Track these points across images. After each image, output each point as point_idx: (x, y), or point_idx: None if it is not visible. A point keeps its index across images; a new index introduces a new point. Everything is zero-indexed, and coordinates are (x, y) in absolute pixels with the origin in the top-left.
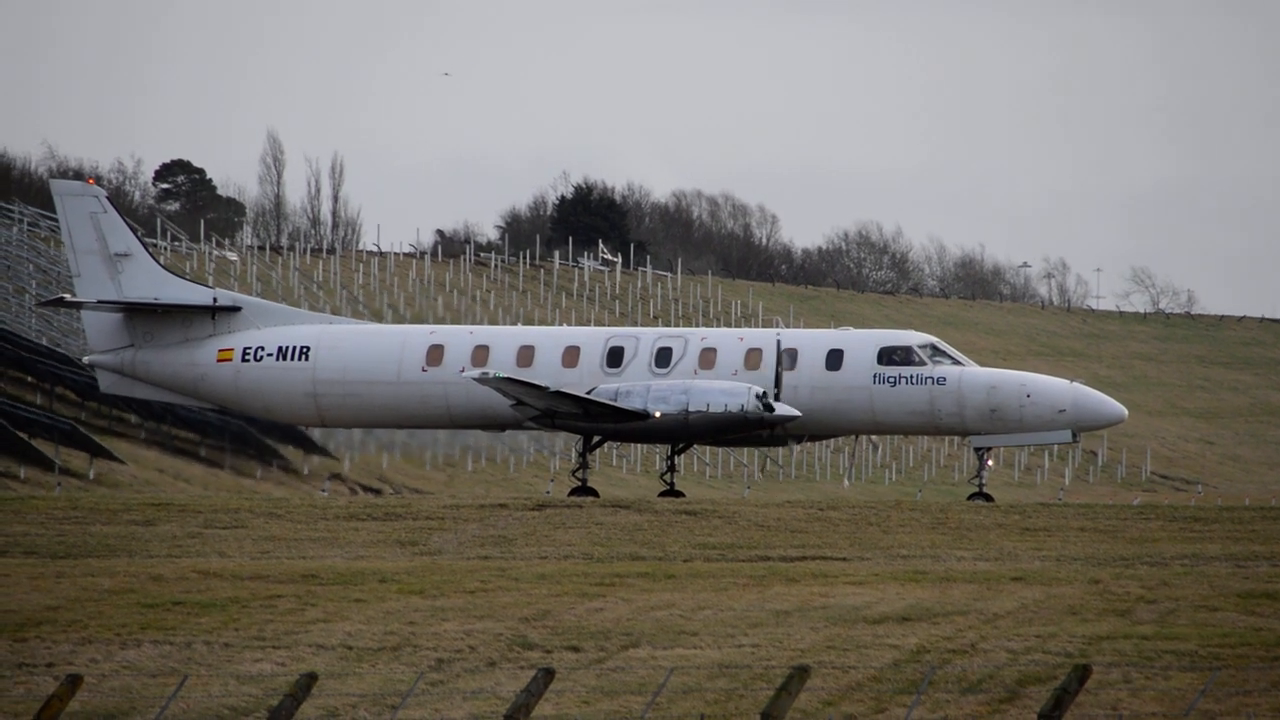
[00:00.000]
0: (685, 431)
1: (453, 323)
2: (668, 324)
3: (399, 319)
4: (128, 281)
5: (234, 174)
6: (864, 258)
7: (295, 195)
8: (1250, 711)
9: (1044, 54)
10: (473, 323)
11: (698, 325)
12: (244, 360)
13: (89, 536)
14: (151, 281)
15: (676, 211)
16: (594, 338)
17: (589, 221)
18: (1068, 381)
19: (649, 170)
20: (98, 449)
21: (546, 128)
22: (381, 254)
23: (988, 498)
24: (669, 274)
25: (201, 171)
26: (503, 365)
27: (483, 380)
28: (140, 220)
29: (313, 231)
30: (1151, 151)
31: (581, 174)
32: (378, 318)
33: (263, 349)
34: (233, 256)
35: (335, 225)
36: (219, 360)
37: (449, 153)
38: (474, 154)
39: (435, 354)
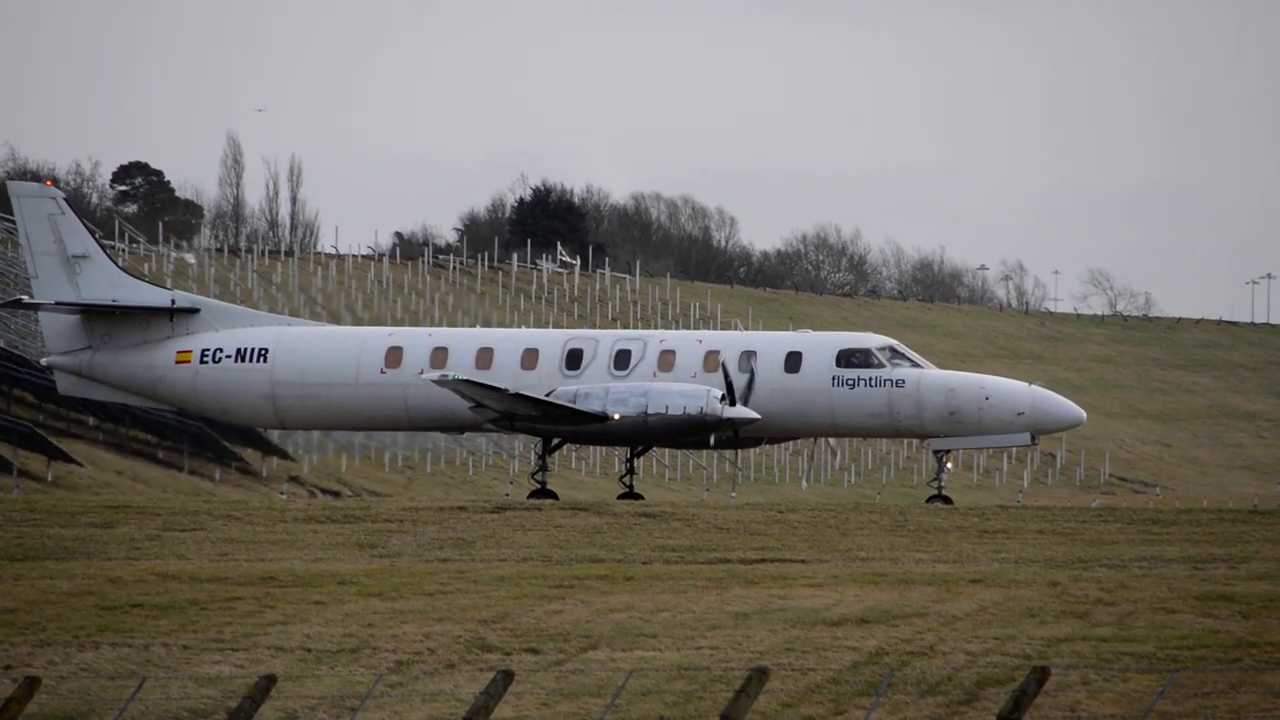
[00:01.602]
0: (644, 434)
1: (411, 325)
2: (626, 326)
3: (357, 321)
4: (85, 283)
5: (192, 176)
6: (822, 260)
7: (253, 197)
8: (1208, 713)
9: (1004, 57)
10: (431, 325)
11: (656, 327)
12: (202, 362)
13: (47, 539)
14: (109, 283)
15: (635, 214)
16: (553, 340)
17: (547, 224)
18: (1026, 384)
19: (608, 173)
20: (56, 451)
21: (506, 130)
22: (340, 256)
23: (946, 500)
24: (628, 276)
25: (159, 174)
26: (461, 367)
27: (441, 382)
28: (98, 222)
29: (271, 234)
30: (1111, 155)
31: (540, 176)
32: (336, 320)
33: (221, 351)
34: (191, 258)
35: (293, 227)
36: (177, 362)
37: (407, 155)
38: (432, 157)
39: (394, 356)
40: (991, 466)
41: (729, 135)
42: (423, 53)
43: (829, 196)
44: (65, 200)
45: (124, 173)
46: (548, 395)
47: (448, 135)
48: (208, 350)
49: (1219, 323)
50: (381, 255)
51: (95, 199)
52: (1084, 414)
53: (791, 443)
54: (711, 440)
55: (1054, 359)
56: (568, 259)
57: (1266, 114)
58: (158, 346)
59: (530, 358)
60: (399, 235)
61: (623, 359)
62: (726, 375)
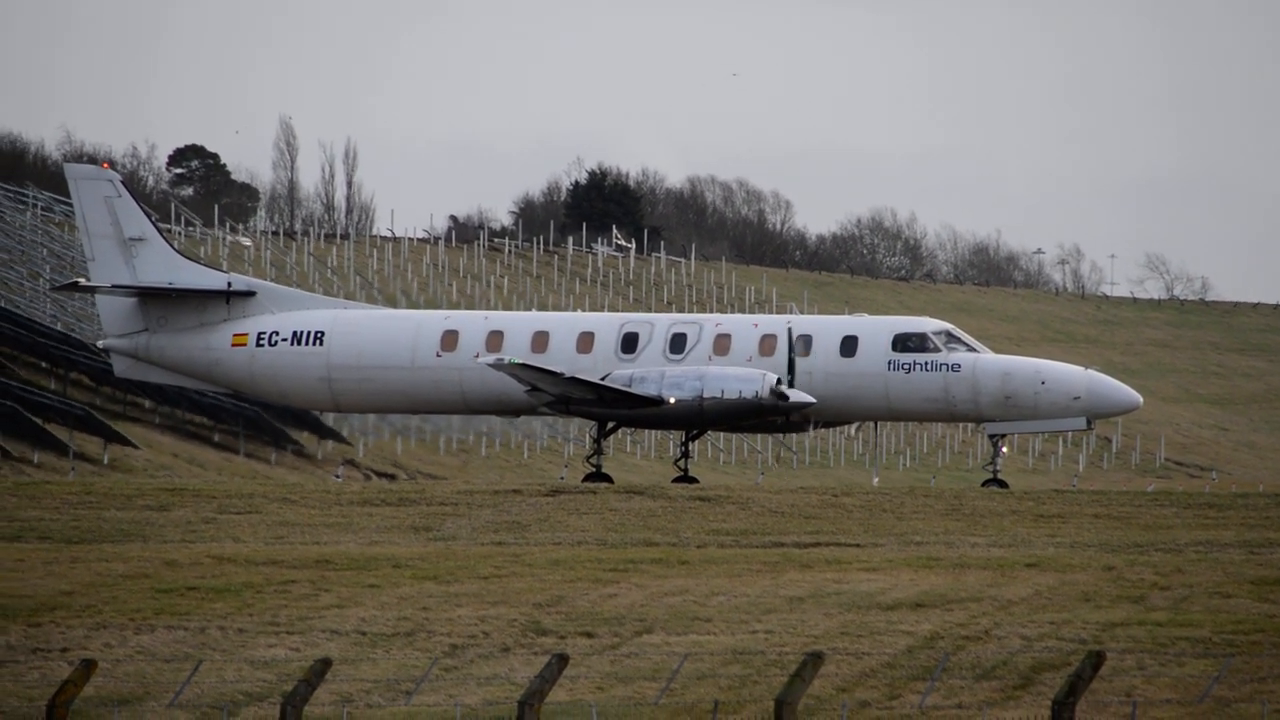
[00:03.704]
0: (699, 418)
1: (467, 308)
2: (681, 310)
3: (413, 304)
4: (142, 266)
5: (247, 159)
6: (878, 244)
7: (309, 180)
8: (1264, 698)
9: (1061, 41)
10: (487, 308)
11: (711, 311)
12: (259, 345)
13: (103, 522)
14: (166, 266)
15: (690, 197)
16: (608, 324)
17: (603, 207)
18: (1082, 368)
19: (663, 156)
20: (112, 434)
21: (561, 114)
22: (395, 239)
23: (1002, 484)
24: (683, 260)
25: (215, 156)
26: (517, 351)
27: (497, 366)
28: (154, 205)
29: (326, 217)
30: (1167, 138)
31: (595, 160)
32: (392, 303)
33: (277, 334)
34: (246, 241)
35: (349, 210)
36: (234, 345)
37: (463, 138)
38: (488, 140)
39: (450, 339)
40: (1047, 450)
41: (785, 119)
42: (478, 36)
43: (884, 180)
44: (122, 183)
45: (180, 156)
46: (603, 379)
47: (504, 119)
48: (264, 333)
49: (1276, 307)
50: (437, 238)
51: (151, 182)
52: (1140, 398)
53: (847, 426)
54: (779, 422)
55: (1110, 343)
56: (623, 242)
57: None
58: (214, 329)
59: (586, 341)
60: (454, 219)
61: (678, 343)
62: (791, 350)
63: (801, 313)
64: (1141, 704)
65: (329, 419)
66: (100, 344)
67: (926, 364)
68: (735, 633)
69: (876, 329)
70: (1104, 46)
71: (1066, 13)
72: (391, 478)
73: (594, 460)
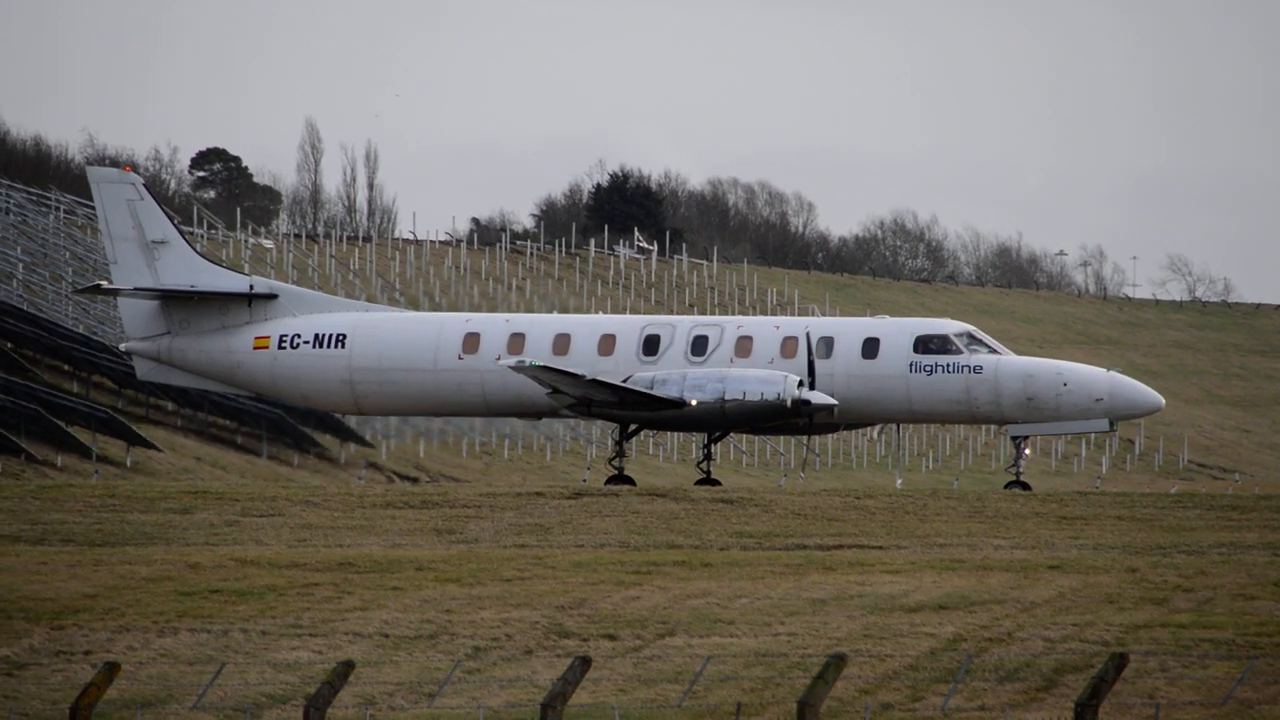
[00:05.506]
0: (722, 420)
1: (488, 310)
2: (703, 312)
3: (435, 307)
4: (164, 269)
5: (269, 162)
6: (900, 246)
7: (330, 183)
8: None
9: (1085, 42)
10: (508, 310)
11: (733, 313)
12: (280, 348)
13: (126, 524)
14: (188, 269)
15: (712, 199)
16: (630, 326)
17: (625, 209)
18: (1105, 370)
19: (685, 158)
20: (135, 437)
21: (583, 116)
22: (417, 242)
23: (1024, 486)
24: (705, 262)
25: (238, 159)
26: (539, 353)
27: (519, 368)
28: (176, 208)
29: (348, 219)
30: (1190, 139)
31: (617, 162)
32: (414, 305)
33: (299, 336)
34: (268, 244)
35: (371, 213)
36: (255, 348)
37: (484, 141)
38: (510, 143)
39: (471, 342)
40: (1070, 452)
41: (807, 120)
42: (499, 39)
43: (906, 182)
44: (144, 186)
45: (202, 159)
46: (625, 381)
47: (525, 122)
48: (286, 336)
49: None
50: (459, 241)
51: (174, 185)
52: (1162, 400)
53: (869, 429)
54: (801, 425)
55: (1132, 345)
56: (645, 245)
57: None
58: (236, 332)
59: (607, 344)
60: (476, 221)
61: (700, 345)
62: (810, 354)
63: (823, 315)
64: (1165, 706)
65: (351, 422)
66: (122, 347)
67: (948, 366)
68: (758, 635)
69: (898, 331)
70: (1127, 47)
71: (1083, 14)
72: (414, 480)
73: (616, 463)
